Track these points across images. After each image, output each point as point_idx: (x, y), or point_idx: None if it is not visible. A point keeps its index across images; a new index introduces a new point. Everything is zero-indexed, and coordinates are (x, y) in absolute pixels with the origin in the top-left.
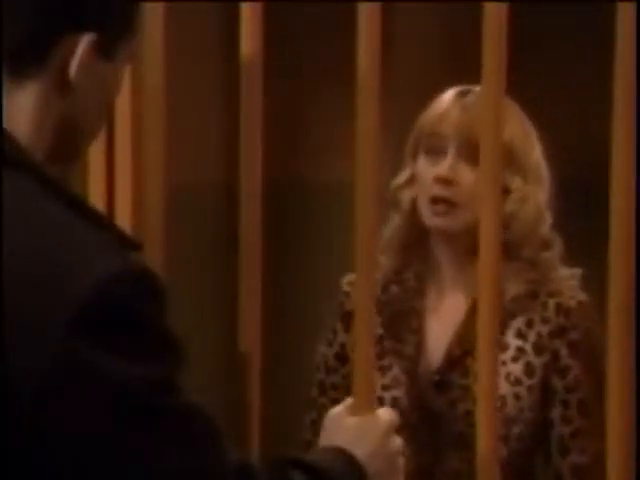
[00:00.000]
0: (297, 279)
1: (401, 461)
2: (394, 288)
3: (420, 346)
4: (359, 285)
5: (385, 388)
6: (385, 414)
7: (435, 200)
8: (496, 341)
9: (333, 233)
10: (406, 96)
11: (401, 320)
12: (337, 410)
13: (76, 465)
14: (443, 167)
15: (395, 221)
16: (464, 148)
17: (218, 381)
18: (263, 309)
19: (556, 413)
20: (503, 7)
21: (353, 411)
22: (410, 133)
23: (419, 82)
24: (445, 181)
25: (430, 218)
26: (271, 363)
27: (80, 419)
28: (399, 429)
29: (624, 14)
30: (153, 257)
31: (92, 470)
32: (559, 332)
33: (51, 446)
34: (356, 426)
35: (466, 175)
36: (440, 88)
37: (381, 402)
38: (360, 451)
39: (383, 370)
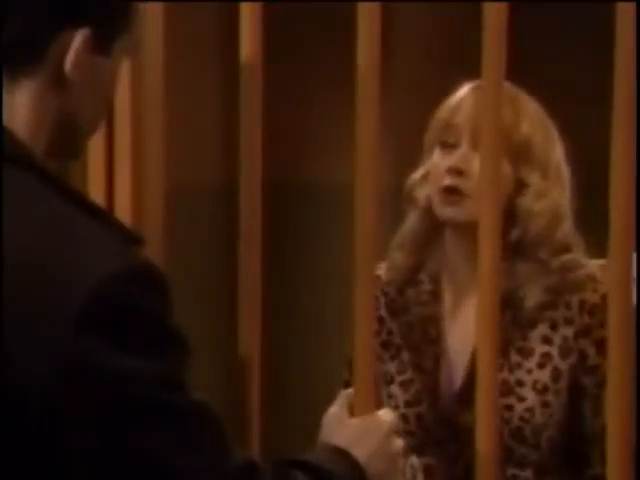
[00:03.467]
0: (297, 279)
1: (401, 462)
2: (410, 291)
3: (440, 358)
4: (358, 286)
5: (408, 404)
6: (386, 415)
7: (447, 190)
8: (496, 342)
9: (333, 234)
10: (406, 96)
11: (419, 329)
12: (335, 408)
13: (79, 463)
14: (456, 157)
15: (411, 218)
16: (477, 139)
17: (218, 381)
18: (263, 309)
19: (587, 408)
20: (503, 7)
21: (353, 411)
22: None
23: (419, 82)
24: (457, 171)
25: (440, 207)
26: (271, 363)
27: (82, 417)
28: (426, 446)
29: (624, 14)
30: (153, 256)
31: (95, 468)
32: (585, 332)
33: (54, 444)
34: (357, 426)
35: (478, 166)
36: (440, 88)
37: (405, 419)
38: (361, 452)
39: (405, 385)
